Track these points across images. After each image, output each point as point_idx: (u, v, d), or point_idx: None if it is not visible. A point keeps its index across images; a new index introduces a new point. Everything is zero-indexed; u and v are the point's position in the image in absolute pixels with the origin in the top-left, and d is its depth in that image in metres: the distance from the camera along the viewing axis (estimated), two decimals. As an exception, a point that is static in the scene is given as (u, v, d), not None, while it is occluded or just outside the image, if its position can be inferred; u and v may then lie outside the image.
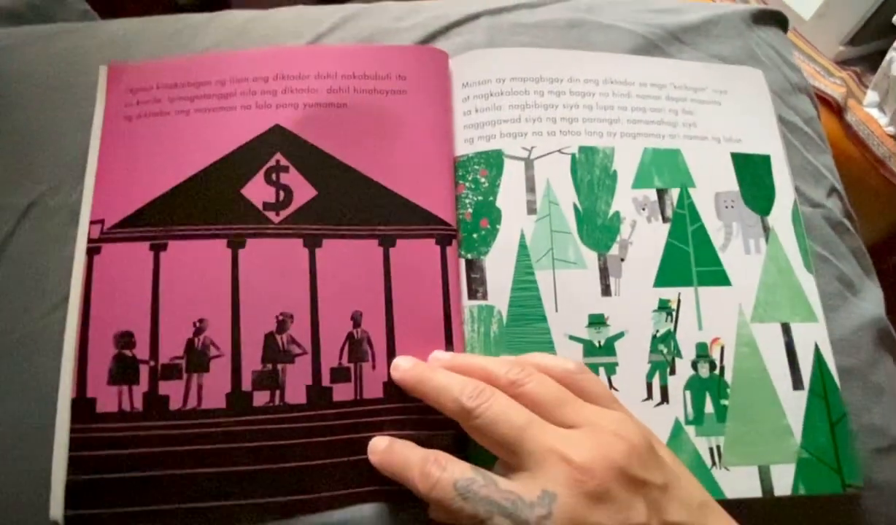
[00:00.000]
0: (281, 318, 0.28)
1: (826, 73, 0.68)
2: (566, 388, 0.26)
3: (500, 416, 0.24)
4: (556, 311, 0.29)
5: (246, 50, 0.34)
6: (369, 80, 0.32)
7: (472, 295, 0.29)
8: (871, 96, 0.66)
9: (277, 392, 0.27)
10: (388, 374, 0.28)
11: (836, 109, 0.65)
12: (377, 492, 0.26)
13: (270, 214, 0.29)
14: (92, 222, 0.30)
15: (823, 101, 0.65)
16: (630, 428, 0.24)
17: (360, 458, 0.26)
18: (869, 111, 0.65)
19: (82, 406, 0.27)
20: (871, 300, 0.33)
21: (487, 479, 0.23)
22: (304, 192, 0.30)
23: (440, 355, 0.28)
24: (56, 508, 0.26)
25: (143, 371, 0.27)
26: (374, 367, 0.28)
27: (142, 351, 0.27)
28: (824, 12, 0.69)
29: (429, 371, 0.27)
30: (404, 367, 0.27)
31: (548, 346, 0.29)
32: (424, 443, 0.26)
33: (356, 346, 0.28)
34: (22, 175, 0.31)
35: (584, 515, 0.22)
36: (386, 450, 0.26)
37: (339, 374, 0.28)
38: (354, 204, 0.30)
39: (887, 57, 0.62)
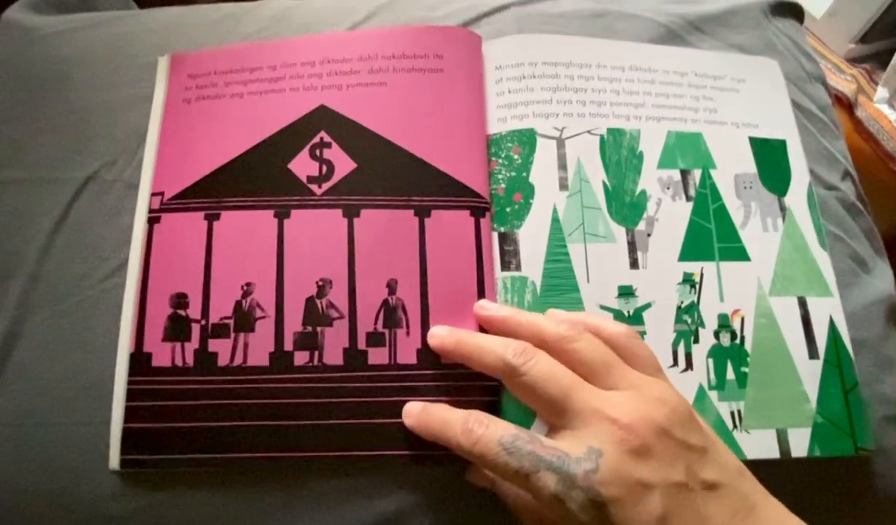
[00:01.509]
0: (321, 283, 0.30)
1: (837, 71, 0.71)
2: (613, 351, 0.26)
3: (547, 374, 0.25)
4: (588, 282, 0.31)
5: (295, 38, 0.36)
6: (408, 60, 0.34)
7: (506, 266, 0.31)
8: (882, 92, 0.68)
9: (316, 353, 0.29)
10: (422, 340, 0.29)
11: (846, 106, 0.68)
12: (409, 455, 0.28)
13: (314, 187, 0.32)
14: (153, 194, 0.32)
15: (834, 97, 0.67)
16: (672, 395, 0.25)
17: (393, 422, 0.28)
18: (879, 107, 0.68)
19: (140, 360, 0.30)
20: (883, 278, 0.36)
21: (532, 437, 0.24)
22: (344, 165, 0.32)
23: (486, 304, 0.29)
24: (114, 458, 0.28)
25: (195, 329, 0.30)
26: (408, 333, 0.30)
27: (194, 311, 0.30)
28: (835, 11, 0.71)
29: (468, 334, 0.28)
30: (441, 333, 0.29)
31: (580, 315, 0.31)
32: (461, 408, 0.27)
33: (391, 313, 0.30)
34: (79, 151, 0.34)
35: (630, 471, 0.23)
36: (422, 411, 0.27)
37: (375, 339, 0.30)
38: (392, 175, 0.32)
39: (897, 54, 0.64)
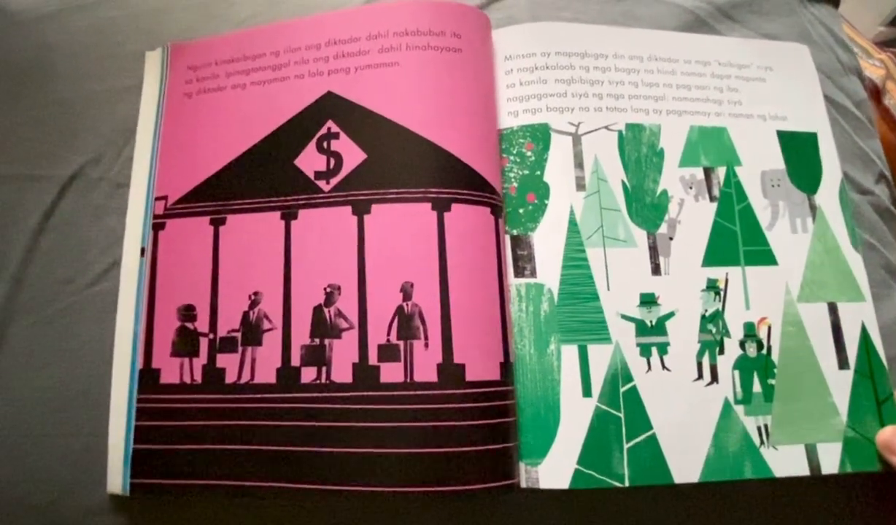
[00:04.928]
0: (329, 290, 0.29)
1: (865, 55, 0.69)
2: None
3: None
4: (609, 289, 0.30)
5: (299, 19, 0.35)
6: (423, 37, 0.31)
7: (519, 272, 0.30)
8: (911, 79, 0.67)
9: (324, 369, 0.28)
10: (443, 354, 0.27)
11: (873, 93, 0.67)
12: (429, 492, 0.26)
13: (321, 183, 0.30)
14: (156, 198, 0.31)
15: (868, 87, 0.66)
16: None
17: (410, 452, 0.26)
18: (908, 94, 0.66)
19: (148, 377, 0.29)
20: (918, 289, 0.35)
21: None
22: (353, 156, 0.30)
23: None
24: (115, 480, 0.28)
25: (203, 343, 0.29)
26: (426, 345, 0.27)
27: (202, 324, 0.29)
28: (864, -9, 0.70)
29: None
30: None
31: (601, 326, 0.30)
32: (486, 432, 0.26)
33: (406, 322, 0.27)
34: (64, 146, 0.33)
35: None
36: None
37: (388, 353, 0.27)
38: (406, 165, 0.29)
39: (929, 38, 0.63)
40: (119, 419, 0.29)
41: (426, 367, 0.27)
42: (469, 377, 0.27)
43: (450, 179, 0.29)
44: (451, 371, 0.27)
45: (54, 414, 0.29)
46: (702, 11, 0.38)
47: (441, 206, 0.29)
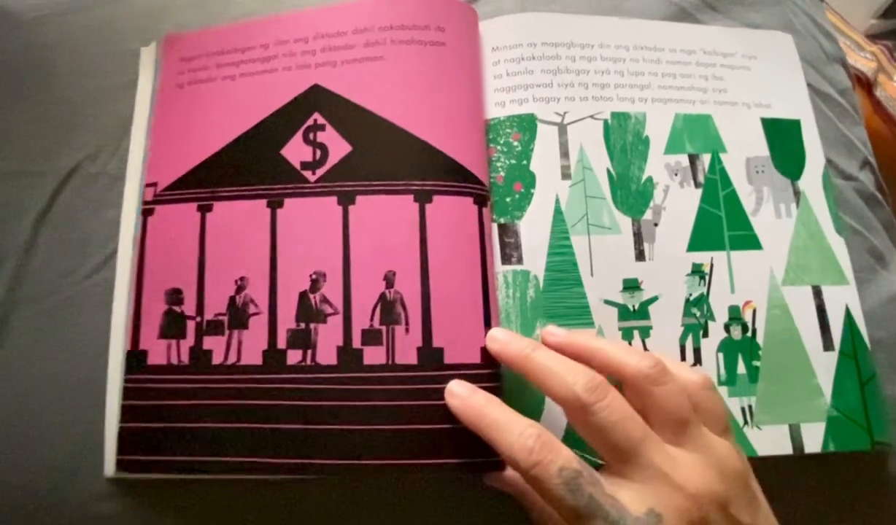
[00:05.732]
0: (314, 277, 0.30)
1: (856, 48, 0.70)
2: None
3: (619, 420, 0.23)
4: (592, 275, 0.31)
5: (288, 12, 0.35)
6: (407, 31, 0.32)
7: (506, 259, 0.31)
8: (903, 70, 0.67)
9: (309, 352, 0.29)
10: (423, 338, 0.28)
11: (865, 85, 0.67)
12: (409, 465, 0.27)
13: (307, 174, 0.31)
14: (147, 185, 0.32)
15: (853, 77, 0.66)
16: (737, 463, 0.25)
17: (391, 428, 0.27)
18: (900, 85, 0.67)
19: (136, 358, 0.30)
20: (901, 274, 0.35)
21: (592, 477, 0.23)
22: (339, 148, 0.31)
23: (554, 330, 0.28)
24: (111, 463, 0.28)
25: (190, 326, 0.30)
26: (407, 330, 0.28)
27: (189, 307, 0.30)
28: (855, -17, 0.70)
29: (531, 348, 0.26)
30: (503, 339, 0.27)
31: (584, 311, 0.30)
32: None
33: (388, 308, 0.29)
34: (62, 142, 0.34)
35: None
36: (472, 397, 0.26)
37: (371, 337, 0.29)
38: (389, 157, 0.31)
39: (920, 29, 0.63)
40: (114, 403, 0.29)
41: (407, 350, 0.28)
42: (448, 360, 0.28)
43: (431, 172, 0.30)
44: (430, 354, 0.28)
45: (56, 403, 0.30)
46: (686, 3, 0.38)
47: (423, 198, 0.30)
